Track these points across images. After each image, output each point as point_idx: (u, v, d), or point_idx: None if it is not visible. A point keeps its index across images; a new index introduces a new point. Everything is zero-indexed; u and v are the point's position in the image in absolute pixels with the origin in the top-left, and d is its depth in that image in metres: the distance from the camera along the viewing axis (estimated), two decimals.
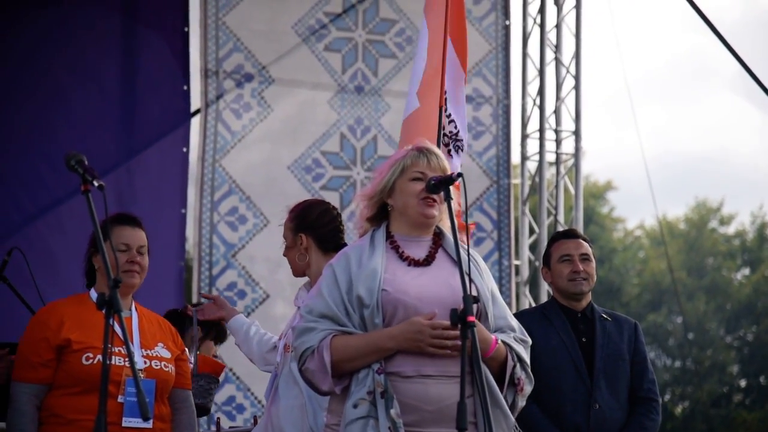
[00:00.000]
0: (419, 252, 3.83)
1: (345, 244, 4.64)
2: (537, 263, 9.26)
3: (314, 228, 4.69)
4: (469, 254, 3.75)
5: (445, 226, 3.89)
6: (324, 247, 4.67)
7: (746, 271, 32.36)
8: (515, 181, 9.56)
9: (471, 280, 3.64)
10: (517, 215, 9.50)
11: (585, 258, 5.12)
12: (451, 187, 3.76)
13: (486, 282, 3.84)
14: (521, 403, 3.80)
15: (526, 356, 3.81)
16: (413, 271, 3.78)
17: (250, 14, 8.77)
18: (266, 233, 8.58)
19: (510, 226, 9.17)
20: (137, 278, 4.38)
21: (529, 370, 3.81)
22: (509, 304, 8.87)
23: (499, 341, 3.73)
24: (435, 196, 3.79)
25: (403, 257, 3.80)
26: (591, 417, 4.91)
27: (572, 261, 5.09)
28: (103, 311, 3.17)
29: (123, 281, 4.34)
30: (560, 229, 9.04)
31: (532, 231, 9.51)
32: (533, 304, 9.10)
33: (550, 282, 5.21)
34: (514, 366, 3.75)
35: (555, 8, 9.49)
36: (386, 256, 3.79)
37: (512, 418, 3.73)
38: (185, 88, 8.48)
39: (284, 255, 4.73)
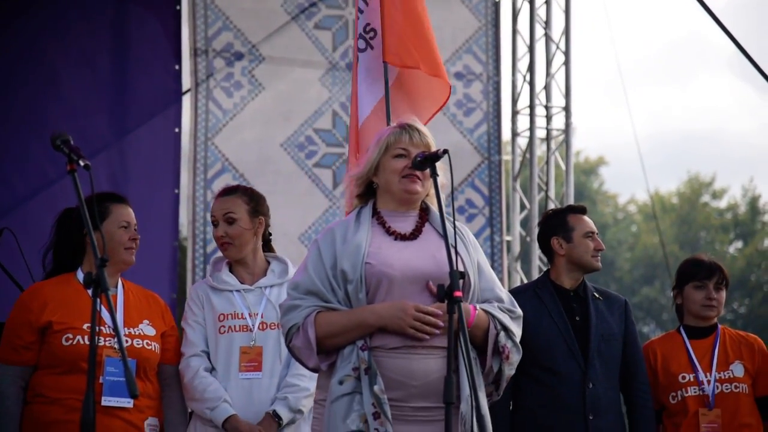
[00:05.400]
0: (405, 226, 3.86)
1: (270, 238, 4.87)
2: (528, 239, 9.28)
3: (267, 215, 4.85)
4: (455, 227, 3.77)
5: (432, 203, 3.92)
6: (263, 237, 4.84)
7: (739, 244, 32.46)
8: (506, 157, 9.57)
9: (457, 254, 3.66)
10: (509, 191, 9.52)
11: (599, 235, 5.19)
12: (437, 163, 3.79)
13: (472, 254, 3.86)
14: (508, 371, 3.82)
15: (513, 325, 3.82)
16: (398, 245, 3.81)
17: None
18: None
19: (501, 202, 9.18)
20: (134, 255, 4.46)
21: (517, 339, 3.82)
22: (501, 280, 8.87)
23: (478, 309, 3.76)
24: (418, 173, 3.81)
25: (389, 231, 3.84)
26: (586, 396, 4.91)
27: (594, 238, 5.11)
28: (89, 291, 3.19)
29: (123, 258, 4.43)
30: (552, 205, 9.07)
31: (523, 207, 9.53)
32: (525, 279, 9.13)
33: (562, 254, 5.10)
34: (497, 334, 3.77)
35: None
36: (372, 230, 3.82)
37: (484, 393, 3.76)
38: (177, 67, 8.46)
39: (230, 233, 4.72)
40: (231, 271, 4.79)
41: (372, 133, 4.95)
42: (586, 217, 5.18)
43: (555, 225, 5.18)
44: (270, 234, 4.91)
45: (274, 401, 4.58)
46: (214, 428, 4.53)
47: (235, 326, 4.65)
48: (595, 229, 5.16)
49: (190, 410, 4.68)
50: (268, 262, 4.83)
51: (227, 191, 4.83)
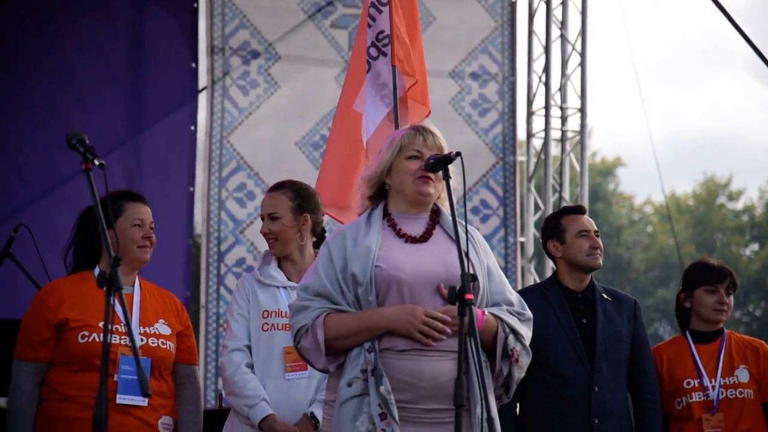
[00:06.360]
0: (416, 229, 3.86)
1: (324, 234, 4.80)
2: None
3: (315, 212, 4.79)
4: (467, 230, 3.79)
5: (444, 205, 3.93)
6: (314, 233, 4.79)
7: (755, 246, 32.36)
8: (521, 158, 9.58)
9: (468, 257, 3.67)
10: (523, 192, 9.53)
11: (597, 234, 5.16)
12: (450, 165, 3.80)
13: (482, 257, 3.86)
14: (518, 374, 3.81)
15: (522, 328, 3.81)
16: (409, 248, 3.81)
17: None
18: None
19: (516, 203, 9.19)
20: (149, 253, 4.48)
21: (526, 342, 3.82)
22: (514, 281, 8.90)
23: (487, 313, 3.76)
24: (431, 174, 3.82)
25: (399, 234, 3.84)
26: (592, 400, 4.91)
27: (590, 236, 5.09)
28: (104, 289, 3.20)
29: (136, 256, 4.43)
30: (566, 205, 9.06)
31: (537, 208, 9.54)
32: (538, 281, 9.12)
33: (560, 256, 5.13)
34: (506, 337, 3.77)
35: None
36: (383, 233, 3.82)
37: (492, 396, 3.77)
38: (193, 65, 8.49)
39: (273, 230, 4.72)
40: (279, 266, 4.77)
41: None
42: (582, 217, 5.16)
43: (550, 228, 5.21)
44: (324, 230, 4.86)
45: (312, 402, 4.56)
46: (250, 426, 4.51)
47: (277, 324, 4.62)
48: (590, 227, 5.13)
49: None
50: None
51: (275, 187, 4.81)
